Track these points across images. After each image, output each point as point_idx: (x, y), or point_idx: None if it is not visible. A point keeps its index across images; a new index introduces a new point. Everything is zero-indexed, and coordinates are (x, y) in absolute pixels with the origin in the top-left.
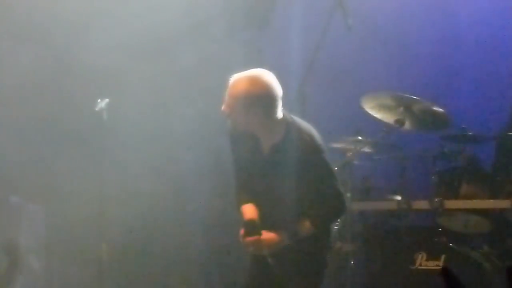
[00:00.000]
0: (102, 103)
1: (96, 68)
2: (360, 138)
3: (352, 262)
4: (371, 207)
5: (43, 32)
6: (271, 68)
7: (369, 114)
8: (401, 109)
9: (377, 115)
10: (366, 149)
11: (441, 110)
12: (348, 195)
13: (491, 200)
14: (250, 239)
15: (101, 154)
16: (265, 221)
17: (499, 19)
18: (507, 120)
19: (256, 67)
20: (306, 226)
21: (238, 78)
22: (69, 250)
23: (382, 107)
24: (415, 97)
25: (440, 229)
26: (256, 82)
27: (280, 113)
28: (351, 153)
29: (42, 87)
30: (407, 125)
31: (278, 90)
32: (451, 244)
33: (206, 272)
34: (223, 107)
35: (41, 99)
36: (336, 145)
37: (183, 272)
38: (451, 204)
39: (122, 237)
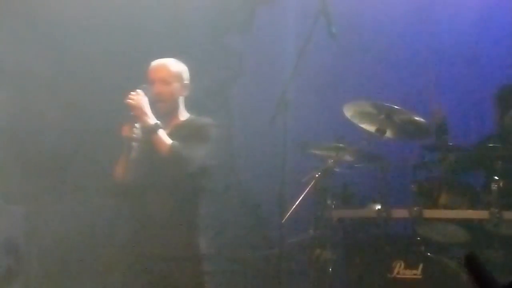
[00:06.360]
0: None
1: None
2: (341, 145)
3: (330, 270)
4: (350, 215)
5: None
6: (252, 73)
7: (351, 122)
8: (382, 117)
9: (359, 123)
10: (347, 157)
11: (421, 119)
12: (328, 202)
13: (470, 210)
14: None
15: None
16: None
17: (483, 28)
18: (487, 131)
19: (237, 72)
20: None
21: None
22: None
23: (364, 115)
24: (396, 106)
25: (419, 238)
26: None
27: None
28: (332, 160)
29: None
30: (388, 133)
31: None
32: (429, 254)
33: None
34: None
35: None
36: (317, 152)
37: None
38: (430, 213)
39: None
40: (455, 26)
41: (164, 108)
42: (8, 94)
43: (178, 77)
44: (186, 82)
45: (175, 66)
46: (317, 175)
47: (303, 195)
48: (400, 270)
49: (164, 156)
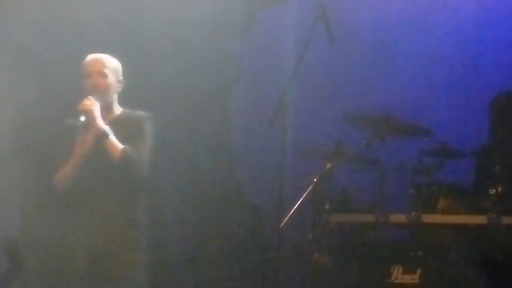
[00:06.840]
0: None
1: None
2: (340, 149)
3: (328, 274)
4: (348, 219)
5: None
6: (252, 77)
7: (350, 126)
8: (381, 122)
9: (357, 127)
10: (346, 161)
11: (420, 123)
12: (327, 206)
13: (469, 216)
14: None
15: None
16: None
17: (481, 35)
18: (487, 135)
19: (236, 76)
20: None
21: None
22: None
23: (362, 119)
24: (395, 110)
25: (417, 243)
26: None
27: None
28: (330, 165)
29: None
30: (387, 136)
31: None
32: (427, 258)
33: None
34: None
35: None
36: (316, 156)
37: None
38: (428, 218)
39: None
40: (455, 31)
41: (100, 100)
42: (7, 93)
43: (114, 71)
44: (121, 78)
45: (110, 61)
46: (315, 179)
47: (301, 199)
48: (398, 275)
49: (116, 162)
